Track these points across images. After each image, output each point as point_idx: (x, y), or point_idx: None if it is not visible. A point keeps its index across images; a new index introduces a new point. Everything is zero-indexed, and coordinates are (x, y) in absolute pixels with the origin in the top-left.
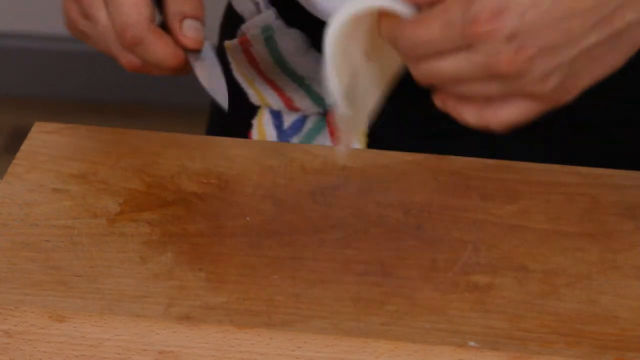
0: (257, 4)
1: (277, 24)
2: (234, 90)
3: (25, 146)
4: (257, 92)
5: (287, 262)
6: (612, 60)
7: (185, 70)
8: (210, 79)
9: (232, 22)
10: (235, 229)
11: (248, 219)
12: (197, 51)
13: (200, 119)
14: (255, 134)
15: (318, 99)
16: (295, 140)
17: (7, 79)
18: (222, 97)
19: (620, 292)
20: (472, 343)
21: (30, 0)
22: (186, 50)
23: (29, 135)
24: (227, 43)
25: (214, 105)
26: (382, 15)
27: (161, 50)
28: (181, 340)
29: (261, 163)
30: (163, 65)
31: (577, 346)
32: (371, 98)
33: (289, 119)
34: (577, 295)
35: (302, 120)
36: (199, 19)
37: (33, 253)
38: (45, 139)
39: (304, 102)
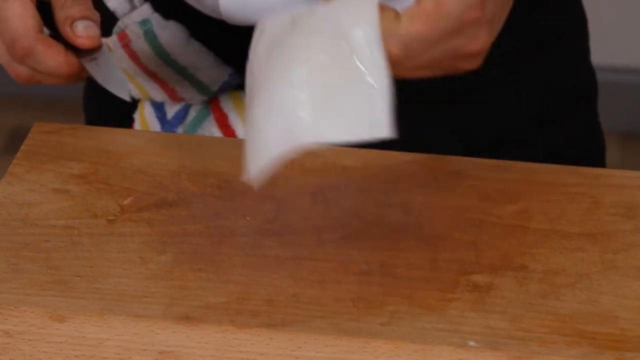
0: (131, 1)
1: (154, 17)
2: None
3: (25, 146)
4: (138, 86)
5: (287, 262)
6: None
7: (80, 77)
8: (109, 77)
9: (105, 20)
10: (235, 229)
11: (248, 219)
12: (89, 54)
13: None
14: (137, 127)
15: (202, 87)
16: (179, 130)
17: (7, 79)
18: (124, 93)
19: (620, 292)
20: (472, 343)
21: None
22: (79, 55)
23: (29, 135)
24: (104, 40)
25: (94, 103)
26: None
27: (52, 59)
28: (181, 340)
29: None
30: (56, 73)
31: (577, 346)
32: None
33: (171, 110)
34: (577, 295)
35: (186, 109)
36: (90, 19)
37: (33, 253)
38: (45, 139)
39: (188, 92)
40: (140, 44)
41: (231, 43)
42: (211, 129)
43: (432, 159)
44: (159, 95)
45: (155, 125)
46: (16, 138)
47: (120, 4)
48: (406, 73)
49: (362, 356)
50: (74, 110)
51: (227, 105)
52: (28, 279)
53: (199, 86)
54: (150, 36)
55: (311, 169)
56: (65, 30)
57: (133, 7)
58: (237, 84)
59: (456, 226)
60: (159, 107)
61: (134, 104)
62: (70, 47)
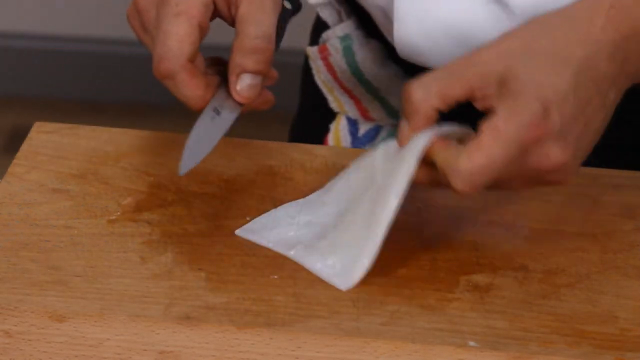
0: (339, 12)
1: (356, 34)
2: (315, 94)
3: (25, 146)
4: (336, 99)
5: (287, 262)
6: (602, 127)
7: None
8: (203, 134)
9: (320, 28)
10: (235, 229)
11: (248, 219)
12: (226, 100)
13: None
14: (331, 138)
15: (392, 111)
16: (368, 148)
17: (7, 79)
18: (187, 160)
19: (620, 292)
20: (472, 343)
21: (31, 0)
22: (216, 89)
23: (29, 135)
24: (308, 49)
25: (300, 109)
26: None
27: (188, 91)
28: (181, 340)
29: (261, 163)
30: (188, 103)
31: (577, 346)
32: None
33: (363, 128)
34: (577, 295)
35: (376, 130)
36: (261, 73)
37: (33, 253)
38: (45, 139)
39: (378, 113)
40: (338, 59)
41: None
42: None
43: None
44: (352, 111)
45: (346, 138)
46: (16, 138)
47: (331, 15)
48: (481, 191)
49: (362, 356)
50: (74, 110)
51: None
52: (28, 279)
53: (389, 109)
54: (348, 53)
55: (311, 169)
56: (231, 77)
57: (340, 20)
58: None
59: (456, 226)
60: (353, 123)
61: (334, 115)
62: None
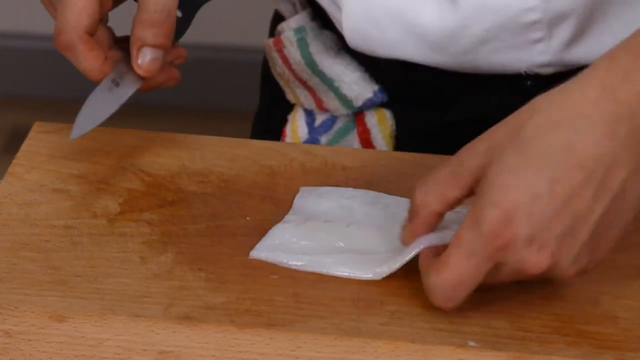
0: (294, 5)
1: (310, 25)
2: (274, 87)
3: (25, 146)
4: (292, 91)
5: None
6: (625, 218)
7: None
8: (99, 103)
9: (277, 20)
10: (235, 229)
11: (248, 219)
12: (125, 73)
13: (200, 119)
14: (289, 129)
15: (346, 101)
16: (324, 138)
17: (7, 79)
18: (79, 127)
19: (620, 292)
20: (472, 343)
21: (30, 0)
22: (115, 62)
23: (29, 135)
24: (265, 41)
25: (260, 103)
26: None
27: (86, 63)
28: (181, 340)
29: (261, 163)
30: (87, 74)
31: (577, 346)
32: None
33: (320, 118)
34: (577, 295)
35: (332, 120)
36: (162, 47)
37: (33, 253)
38: (45, 139)
39: (333, 104)
40: (292, 51)
41: (380, 61)
42: (353, 142)
43: (432, 159)
44: (308, 102)
45: (303, 129)
46: (16, 138)
47: (286, 7)
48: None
49: (362, 356)
50: (74, 110)
51: (371, 121)
52: (28, 279)
53: (343, 99)
54: (302, 44)
55: (311, 169)
56: (132, 50)
57: (296, 11)
58: (381, 102)
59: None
60: (309, 114)
61: (292, 106)
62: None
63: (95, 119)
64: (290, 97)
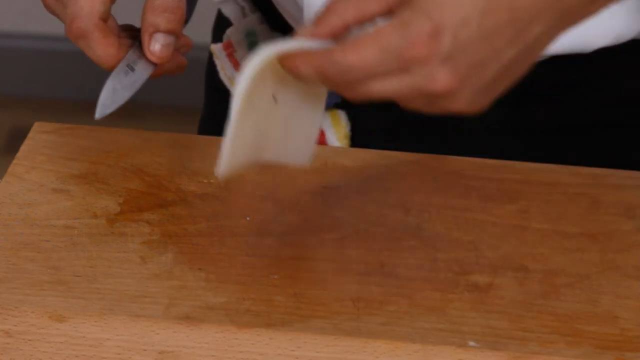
0: (242, 8)
1: (261, 28)
2: (221, 90)
3: (25, 146)
4: None
5: (287, 262)
6: (520, 72)
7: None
8: (118, 86)
9: (221, 25)
10: (235, 229)
11: (248, 219)
12: (138, 58)
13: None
14: None
15: None
16: None
17: (7, 79)
18: (103, 106)
19: (620, 292)
20: (472, 343)
21: (30, 0)
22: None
23: (29, 135)
24: (212, 47)
25: (206, 106)
26: (295, 55)
27: (102, 49)
28: (181, 340)
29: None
30: (101, 62)
31: (577, 346)
32: (288, 136)
33: None
34: (577, 295)
35: None
36: (174, 32)
37: (33, 253)
38: (45, 139)
39: None
40: (243, 55)
41: None
42: None
43: (432, 159)
44: None
45: None
46: (16, 138)
47: (233, 11)
48: (363, 97)
49: (362, 356)
50: (74, 110)
51: (325, 123)
52: (28, 279)
53: None
54: (253, 47)
55: (311, 169)
56: (145, 37)
57: (244, 15)
58: (335, 103)
59: (456, 226)
60: None
61: None
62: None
63: (116, 100)
64: None
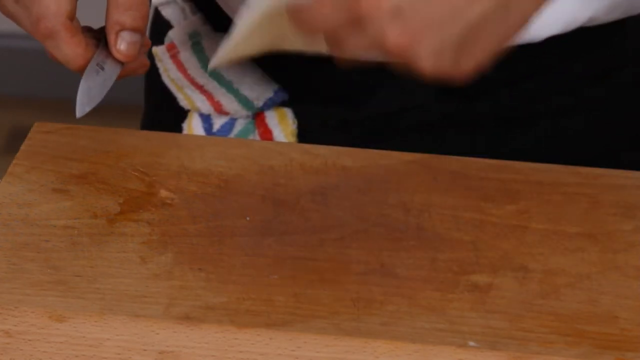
0: (183, 9)
1: (204, 29)
2: (164, 94)
3: (25, 146)
4: (186, 97)
5: (287, 262)
6: (503, 33)
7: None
8: (91, 85)
9: (159, 28)
10: (235, 229)
11: (248, 219)
12: (105, 57)
13: None
14: None
15: (246, 102)
16: None
17: (7, 79)
18: (81, 107)
19: (620, 292)
20: (472, 343)
21: None
22: (96, 49)
23: (29, 135)
24: (154, 49)
25: (146, 110)
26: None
27: (69, 49)
28: (181, 340)
29: (261, 163)
30: (68, 62)
31: (577, 346)
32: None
33: (218, 122)
34: (577, 295)
35: (231, 123)
36: (139, 30)
37: (33, 253)
38: (45, 139)
39: (232, 106)
40: (187, 56)
41: (278, 60)
42: None
43: (432, 159)
44: (205, 107)
45: (200, 134)
46: (16, 138)
47: (174, 13)
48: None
49: (362, 356)
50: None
51: (272, 121)
52: (28, 279)
53: (244, 101)
54: (197, 48)
55: (311, 169)
56: (110, 35)
57: (185, 17)
58: (282, 101)
59: (456, 226)
60: (205, 119)
61: (185, 113)
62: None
63: (93, 98)
64: (183, 103)
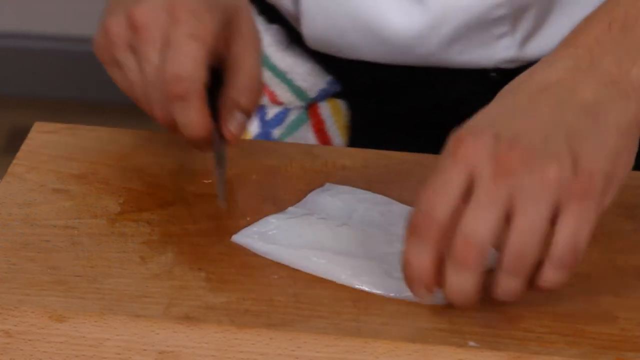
0: None
1: (259, 20)
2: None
3: (25, 146)
4: None
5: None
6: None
7: (203, 146)
8: (222, 162)
9: None
10: (236, 229)
11: (248, 219)
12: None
13: None
14: None
15: (300, 92)
16: (277, 131)
17: (7, 79)
18: (221, 194)
19: (620, 292)
20: (472, 343)
21: (31, 0)
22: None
23: (29, 135)
24: None
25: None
26: None
27: (197, 116)
28: (181, 340)
29: (261, 163)
30: (189, 129)
31: (577, 346)
32: None
33: (271, 112)
34: (577, 295)
35: (285, 112)
36: (250, 113)
37: (33, 253)
38: (45, 139)
39: (286, 96)
40: None
41: (339, 60)
42: (307, 134)
43: (432, 159)
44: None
45: (254, 124)
46: (16, 138)
47: None
48: None
49: (362, 356)
50: (74, 110)
51: (325, 112)
52: (28, 279)
53: (297, 91)
54: None
55: (311, 169)
56: (225, 111)
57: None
58: (335, 92)
59: None
60: (260, 108)
61: None
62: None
63: (224, 176)
64: None
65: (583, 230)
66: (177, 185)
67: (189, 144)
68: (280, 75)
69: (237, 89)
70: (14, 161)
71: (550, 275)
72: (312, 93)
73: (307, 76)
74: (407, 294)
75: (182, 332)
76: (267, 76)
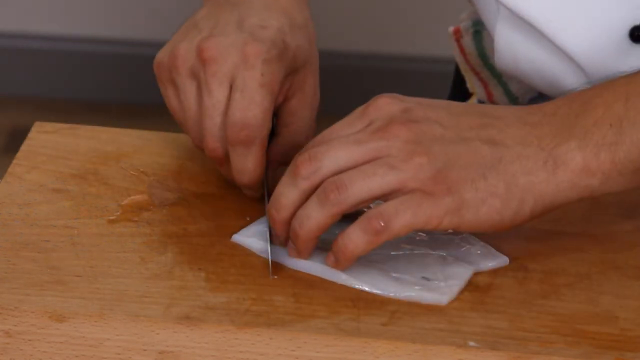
0: None
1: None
2: (456, 72)
3: (25, 146)
4: (469, 80)
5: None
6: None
7: (255, 192)
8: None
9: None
10: (235, 229)
11: (248, 219)
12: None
13: None
14: None
15: (512, 97)
16: None
17: (7, 79)
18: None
19: (620, 292)
20: (472, 343)
21: (31, 1)
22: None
23: (29, 135)
24: (450, 29)
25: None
26: None
27: (255, 164)
28: (181, 340)
29: None
30: (244, 175)
31: (577, 346)
32: None
33: None
34: (577, 295)
35: None
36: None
37: (33, 253)
38: (45, 139)
39: (501, 98)
40: (468, 42)
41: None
42: None
43: None
44: (481, 93)
45: None
46: (16, 138)
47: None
48: None
49: (362, 356)
50: (74, 110)
51: None
52: (28, 279)
53: (510, 95)
54: (477, 37)
55: None
56: (271, 162)
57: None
58: (543, 102)
59: None
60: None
61: (469, 95)
62: None
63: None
64: (469, 85)
65: (401, 213)
66: (177, 185)
67: (238, 185)
68: (497, 76)
69: (285, 145)
70: (14, 161)
71: (353, 235)
72: (524, 100)
73: (520, 82)
74: (407, 293)
75: (182, 332)
76: (486, 75)
